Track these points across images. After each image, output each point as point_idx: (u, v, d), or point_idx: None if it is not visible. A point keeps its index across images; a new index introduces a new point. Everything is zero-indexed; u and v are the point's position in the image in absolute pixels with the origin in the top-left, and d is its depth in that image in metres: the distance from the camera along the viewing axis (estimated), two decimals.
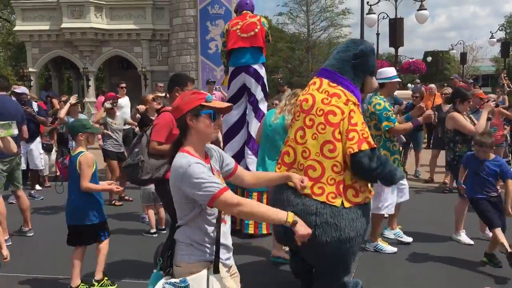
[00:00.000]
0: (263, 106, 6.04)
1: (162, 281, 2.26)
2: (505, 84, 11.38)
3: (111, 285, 4.35)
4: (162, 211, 6.21)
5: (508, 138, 8.57)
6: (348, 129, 3.53)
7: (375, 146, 3.60)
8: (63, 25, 20.55)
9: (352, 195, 3.55)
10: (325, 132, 3.56)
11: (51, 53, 21.58)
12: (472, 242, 5.41)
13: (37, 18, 21.20)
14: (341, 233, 3.47)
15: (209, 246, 2.27)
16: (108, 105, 7.56)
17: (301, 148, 3.65)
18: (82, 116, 8.01)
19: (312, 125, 3.64)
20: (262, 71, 6.03)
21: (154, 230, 6.07)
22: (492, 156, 4.87)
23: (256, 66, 5.93)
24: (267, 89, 6.21)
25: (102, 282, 4.31)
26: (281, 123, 4.82)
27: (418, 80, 21.98)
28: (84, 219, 4.16)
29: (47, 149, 9.08)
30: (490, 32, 31.36)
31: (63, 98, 9.74)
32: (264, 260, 4.99)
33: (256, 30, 5.89)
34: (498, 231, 4.62)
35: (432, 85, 12.35)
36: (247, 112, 6.07)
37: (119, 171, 7.53)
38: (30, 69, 21.47)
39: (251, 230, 5.77)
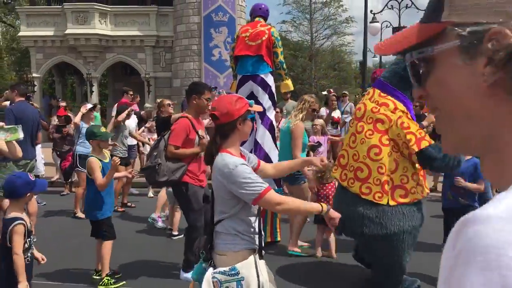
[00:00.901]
0: (271, 114, 6.01)
1: (210, 270, 2.44)
2: None
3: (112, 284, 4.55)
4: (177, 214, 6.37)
5: None
6: (404, 133, 3.91)
7: (432, 142, 3.94)
8: (68, 31, 20.64)
9: (399, 195, 3.95)
10: (372, 138, 4.01)
11: (55, 58, 21.65)
12: None
13: (41, 24, 21.29)
14: (386, 230, 3.92)
15: (252, 235, 2.51)
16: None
17: (352, 151, 4.13)
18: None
19: (361, 131, 4.09)
20: (270, 80, 5.95)
21: (176, 233, 6.30)
22: (468, 156, 4.52)
23: (263, 75, 5.88)
24: (275, 98, 6.17)
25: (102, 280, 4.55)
26: (288, 126, 5.38)
27: None
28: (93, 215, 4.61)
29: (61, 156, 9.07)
30: None
31: (63, 104, 9.76)
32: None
33: (264, 38, 5.79)
34: None
35: None
36: (255, 120, 6.06)
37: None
38: (34, 75, 21.53)
39: (279, 238, 5.95)
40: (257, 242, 2.52)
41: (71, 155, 7.54)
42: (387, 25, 21.98)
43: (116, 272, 4.76)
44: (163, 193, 6.86)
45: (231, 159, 2.45)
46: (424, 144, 3.83)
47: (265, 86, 5.88)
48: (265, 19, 6.12)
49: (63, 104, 9.77)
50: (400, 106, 4.01)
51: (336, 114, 9.49)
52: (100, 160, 4.53)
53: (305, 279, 4.78)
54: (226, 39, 19.75)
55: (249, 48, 5.84)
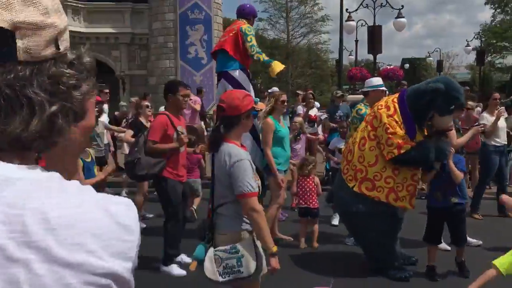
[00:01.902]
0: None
1: (211, 250, 2.69)
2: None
3: None
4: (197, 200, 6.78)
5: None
6: (386, 137, 4.35)
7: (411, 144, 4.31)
8: None
9: (365, 187, 4.48)
10: (365, 131, 4.56)
11: None
12: (448, 248, 5.44)
13: None
14: (346, 207, 4.75)
15: (245, 218, 2.72)
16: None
17: (359, 153, 4.56)
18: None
19: (373, 139, 4.49)
20: (240, 76, 5.77)
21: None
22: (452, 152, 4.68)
23: (230, 71, 5.77)
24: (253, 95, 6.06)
25: None
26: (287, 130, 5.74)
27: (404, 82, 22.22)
28: None
29: None
30: (466, 40, 31.99)
31: None
32: None
33: (231, 34, 5.73)
34: (432, 248, 4.72)
35: None
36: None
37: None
38: None
39: None
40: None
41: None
42: (362, 23, 22.19)
43: None
44: (139, 197, 6.77)
45: (239, 151, 2.71)
46: (404, 149, 4.27)
47: (233, 82, 5.72)
48: (249, 20, 5.96)
49: None
50: (398, 117, 4.38)
51: (313, 112, 9.51)
52: (82, 159, 4.37)
53: (289, 267, 4.80)
54: (202, 36, 19.62)
55: (218, 44, 5.88)
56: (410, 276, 4.64)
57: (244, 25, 5.77)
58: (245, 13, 5.99)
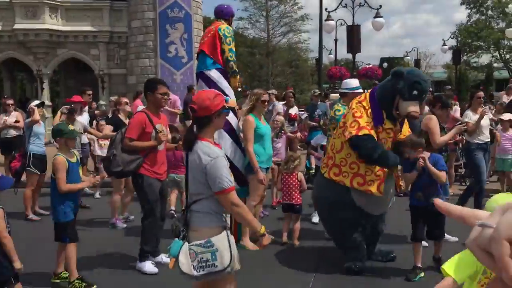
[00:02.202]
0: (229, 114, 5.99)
1: (186, 245, 2.74)
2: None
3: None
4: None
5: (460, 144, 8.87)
6: (351, 118, 4.50)
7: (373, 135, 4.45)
8: (16, 26, 19.85)
9: (333, 173, 4.68)
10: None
11: (3, 54, 20.79)
12: (426, 244, 5.54)
13: None
14: (316, 193, 5.13)
15: (224, 214, 2.87)
16: (65, 110, 7.38)
17: (332, 142, 4.94)
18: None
19: (342, 127, 4.69)
20: (215, 75, 5.62)
21: (173, 208, 6.95)
22: (428, 154, 4.73)
23: (206, 71, 5.70)
24: (231, 95, 6.01)
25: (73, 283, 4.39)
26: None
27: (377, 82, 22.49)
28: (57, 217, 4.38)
29: None
30: (443, 39, 32.52)
31: (10, 101, 9.29)
32: None
33: (209, 35, 5.72)
34: (417, 245, 4.74)
35: None
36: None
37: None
38: None
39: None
40: (228, 221, 2.90)
41: (21, 154, 7.23)
42: (341, 23, 22.37)
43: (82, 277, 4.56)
44: (115, 197, 6.75)
45: (214, 149, 2.80)
46: (363, 132, 4.41)
47: (208, 82, 5.64)
48: (227, 20, 5.92)
49: (10, 101, 9.32)
50: (366, 103, 4.56)
51: (293, 111, 9.60)
52: (68, 160, 4.32)
53: (270, 264, 4.87)
54: (182, 35, 19.54)
55: (199, 46, 5.88)
56: (358, 268, 4.75)
57: (223, 26, 5.72)
58: (224, 14, 5.96)
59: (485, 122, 7.07)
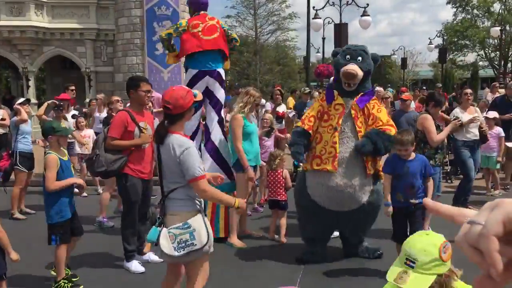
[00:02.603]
0: (222, 110, 6.09)
1: (165, 229, 2.94)
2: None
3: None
4: None
5: (445, 141, 8.96)
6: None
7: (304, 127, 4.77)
8: (1, 23, 19.60)
9: (316, 164, 4.74)
10: None
11: None
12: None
13: None
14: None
15: (199, 199, 3.08)
16: (52, 104, 7.36)
17: None
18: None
19: None
20: (224, 75, 6.00)
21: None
22: (413, 155, 4.70)
23: (219, 70, 5.87)
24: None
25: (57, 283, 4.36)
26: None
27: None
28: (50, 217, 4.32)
29: None
30: (429, 38, 32.79)
31: None
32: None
33: (217, 34, 5.80)
34: (399, 246, 4.48)
35: (379, 88, 12.58)
36: (211, 115, 5.97)
37: None
38: None
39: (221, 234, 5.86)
40: (202, 205, 3.11)
41: (8, 153, 7.17)
42: (329, 21, 22.48)
43: (73, 275, 4.56)
44: (105, 195, 6.73)
45: (185, 140, 3.02)
46: (298, 124, 4.99)
47: (221, 80, 5.90)
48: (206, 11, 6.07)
49: None
50: (323, 94, 5.03)
51: (281, 109, 9.61)
52: (60, 158, 4.26)
53: (257, 262, 4.89)
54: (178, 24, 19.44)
55: (207, 43, 5.74)
56: (306, 259, 4.97)
57: (221, 21, 5.98)
58: (205, 6, 6.05)
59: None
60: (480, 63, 42.02)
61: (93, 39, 20.99)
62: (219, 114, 5.98)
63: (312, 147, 4.81)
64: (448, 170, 9.05)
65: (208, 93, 5.87)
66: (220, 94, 5.93)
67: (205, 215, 3.10)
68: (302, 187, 4.91)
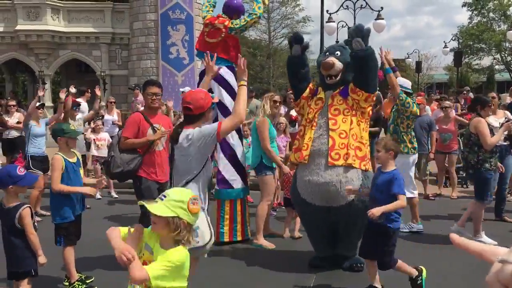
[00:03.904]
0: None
1: None
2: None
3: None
4: None
5: (461, 145, 8.89)
6: None
7: None
8: (18, 27, 19.91)
9: (298, 157, 4.80)
10: None
11: (5, 55, 20.86)
12: (495, 242, 5.49)
13: None
14: None
15: (202, 195, 3.19)
16: (73, 90, 7.56)
17: None
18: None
19: None
20: (226, 74, 5.79)
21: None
22: (390, 168, 4.00)
23: (221, 70, 5.72)
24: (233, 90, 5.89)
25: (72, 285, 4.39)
26: (254, 123, 5.81)
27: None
28: (53, 218, 4.37)
29: None
30: (444, 41, 32.50)
31: (12, 102, 9.39)
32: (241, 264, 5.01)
33: (219, 39, 5.78)
34: (370, 262, 4.08)
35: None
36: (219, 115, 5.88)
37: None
38: None
39: (239, 238, 5.83)
40: (205, 203, 3.23)
41: (21, 156, 7.25)
42: (342, 25, 22.37)
43: (87, 277, 4.55)
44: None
45: (196, 128, 3.23)
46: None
47: (220, 80, 5.73)
48: (230, 16, 5.99)
49: (12, 103, 9.38)
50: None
51: (294, 112, 9.59)
52: (66, 160, 4.26)
53: (273, 257, 4.87)
54: (184, 37, 19.58)
55: (206, 46, 5.75)
56: (315, 265, 4.91)
57: (232, 24, 5.85)
58: (229, 9, 6.03)
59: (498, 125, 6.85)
60: (496, 66, 41.55)
61: (108, 43, 21.22)
62: (225, 113, 5.80)
63: (295, 141, 4.95)
64: (463, 174, 8.94)
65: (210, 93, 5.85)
66: (221, 94, 5.76)
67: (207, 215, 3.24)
68: (294, 186, 4.89)
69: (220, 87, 5.79)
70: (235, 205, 5.77)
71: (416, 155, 6.13)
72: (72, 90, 7.61)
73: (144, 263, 2.16)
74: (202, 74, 5.88)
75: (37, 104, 7.47)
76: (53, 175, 4.20)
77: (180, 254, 2.14)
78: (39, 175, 6.59)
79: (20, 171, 3.61)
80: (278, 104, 5.93)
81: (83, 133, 8.24)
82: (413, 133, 6.07)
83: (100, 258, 5.30)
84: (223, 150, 5.86)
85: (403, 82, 6.19)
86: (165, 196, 2.14)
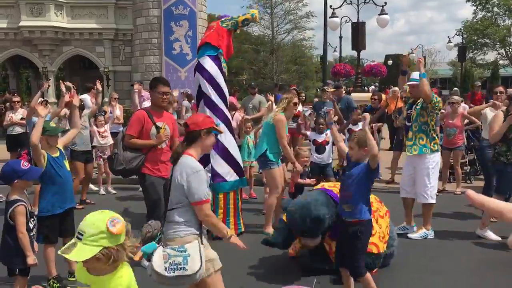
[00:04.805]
0: (224, 108, 5.87)
1: (160, 248, 2.99)
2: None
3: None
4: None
5: (465, 141, 8.85)
6: None
7: None
8: (22, 23, 19.93)
9: None
10: None
11: (9, 52, 20.89)
12: (499, 238, 5.51)
13: None
14: None
15: (195, 224, 3.04)
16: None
17: None
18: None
19: None
20: (207, 63, 5.73)
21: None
22: (364, 160, 3.69)
23: (200, 59, 5.80)
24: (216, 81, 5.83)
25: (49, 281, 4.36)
26: (269, 121, 5.87)
27: (376, 84, 22.49)
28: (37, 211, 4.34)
29: None
30: (448, 37, 32.44)
31: (16, 99, 9.43)
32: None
33: (211, 31, 5.87)
34: (368, 275, 3.73)
35: (396, 88, 12.50)
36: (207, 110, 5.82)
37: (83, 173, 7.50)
38: None
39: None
40: (199, 230, 3.06)
41: (26, 152, 7.26)
42: (346, 20, 22.36)
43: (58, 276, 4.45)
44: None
45: (195, 163, 3.06)
46: None
47: (201, 70, 5.74)
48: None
49: (16, 99, 9.41)
50: None
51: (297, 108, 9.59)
52: (49, 154, 4.23)
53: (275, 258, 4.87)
54: (187, 32, 19.56)
55: (200, 42, 6.04)
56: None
57: (223, 23, 5.95)
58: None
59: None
60: (501, 61, 41.36)
61: (111, 39, 21.22)
62: (221, 116, 5.80)
63: None
64: (468, 170, 8.92)
65: (200, 93, 5.83)
66: (203, 85, 5.73)
67: (202, 243, 3.05)
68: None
69: (204, 81, 5.75)
70: (228, 198, 5.81)
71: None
72: (68, 84, 7.61)
73: None
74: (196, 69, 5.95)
75: (40, 99, 7.48)
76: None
77: (126, 274, 2.10)
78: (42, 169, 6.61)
79: (24, 165, 3.62)
80: (296, 106, 6.13)
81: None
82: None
83: None
84: (214, 146, 5.86)
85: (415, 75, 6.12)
86: (81, 234, 1.98)
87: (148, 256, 3.00)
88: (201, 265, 2.93)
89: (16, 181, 3.56)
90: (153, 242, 3.07)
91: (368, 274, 3.70)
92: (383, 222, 4.58)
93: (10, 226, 3.60)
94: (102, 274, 2.05)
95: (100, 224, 1.98)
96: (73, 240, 1.99)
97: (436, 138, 5.77)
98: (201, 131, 3.13)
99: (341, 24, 21.96)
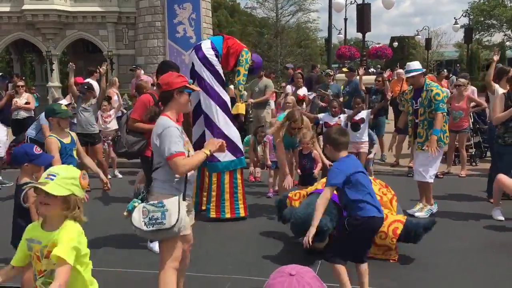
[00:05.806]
0: (221, 92, 5.88)
1: (142, 204, 3.08)
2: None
3: None
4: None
5: (470, 124, 8.79)
6: None
7: None
8: (25, 7, 19.85)
9: None
10: None
11: (12, 35, 20.84)
12: (503, 218, 5.53)
13: None
14: None
15: (176, 183, 3.12)
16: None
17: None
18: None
19: None
20: (208, 52, 5.86)
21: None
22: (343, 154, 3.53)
23: (203, 44, 5.92)
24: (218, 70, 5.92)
25: None
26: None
27: (378, 66, 22.35)
28: None
29: None
30: (454, 18, 32.04)
31: (20, 83, 9.43)
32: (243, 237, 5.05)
33: (231, 51, 5.97)
34: (340, 268, 3.50)
35: (400, 70, 12.41)
36: (206, 102, 5.86)
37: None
38: None
39: (227, 215, 5.82)
40: (182, 189, 3.14)
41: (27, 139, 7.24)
42: (351, 1, 22.09)
43: None
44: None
45: (167, 121, 3.12)
46: None
47: (197, 50, 5.92)
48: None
49: (21, 83, 9.40)
50: None
51: (302, 92, 9.52)
52: (60, 141, 4.29)
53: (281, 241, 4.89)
54: (191, 15, 19.41)
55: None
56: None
57: (245, 51, 5.95)
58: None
59: None
60: (507, 43, 40.91)
61: (114, 22, 21.12)
62: (214, 97, 5.83)
63: None
64: (473, 152, 8.88)
65: (198, 78, 5.85)
66: (208, 74, 5.85)
67: (184, 200, 3.13)
68: None
69: (205, 70, 5.88)
70: (223, 179, 5.73)
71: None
72: (71, 66, 7.63)
73: (49, 253, 2.09)
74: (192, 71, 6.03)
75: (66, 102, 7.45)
76: (53, 160, 4.09)
77: (75, 226, 2.15)
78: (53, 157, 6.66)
79: (37, 150, 3.62)
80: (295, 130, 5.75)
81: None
82: None
83: (108, 236, 5.38)
84: (209, 125, 5.83)
85: (416, 65, 6.02)
86: (54, 175, 2.05)
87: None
88: (178, 219, 3.00)
89: (26, 164, 3.56)
90: (135, 198, 3.17)
91: (340, 267, 3.47)
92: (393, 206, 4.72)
93: (22, 209, 3.58)
94: (55, 228, 2.12)
95: (74, 172, 2.13)
96: (43, 180, 2.06)
97: (446, 128, 5.77)
98: (173, 91, 3.19)
99: (346, 6, 21.75)
